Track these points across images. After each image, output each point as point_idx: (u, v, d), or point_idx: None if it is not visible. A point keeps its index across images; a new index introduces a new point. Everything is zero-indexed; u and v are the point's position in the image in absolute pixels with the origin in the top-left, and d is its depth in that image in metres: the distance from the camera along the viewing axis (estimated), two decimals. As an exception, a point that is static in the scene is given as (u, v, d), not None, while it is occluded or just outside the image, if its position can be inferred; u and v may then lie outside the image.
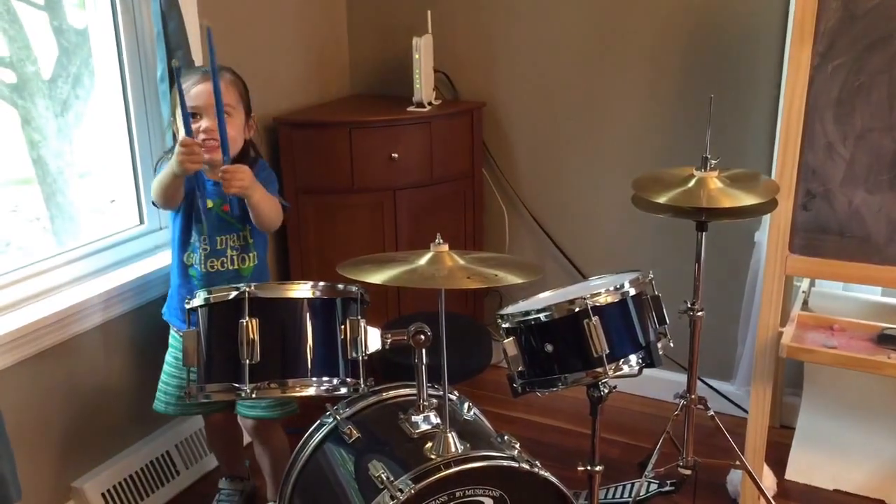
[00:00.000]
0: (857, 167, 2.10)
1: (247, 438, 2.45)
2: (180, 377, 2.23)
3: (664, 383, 2.85)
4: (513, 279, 1.65)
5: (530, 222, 3.18)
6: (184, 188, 2.13)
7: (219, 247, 2.18)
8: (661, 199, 2.02)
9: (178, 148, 1.99)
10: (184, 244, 2.20)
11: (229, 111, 2.10)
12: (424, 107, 2.93)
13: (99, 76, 2.50)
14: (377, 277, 1.63)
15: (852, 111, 2.08)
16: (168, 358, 2.30)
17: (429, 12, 2.94)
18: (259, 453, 2.36)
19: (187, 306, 1.74)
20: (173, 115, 2.18)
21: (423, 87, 2.92)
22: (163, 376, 2.30)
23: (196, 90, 2.08)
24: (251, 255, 2.22)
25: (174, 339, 2.28)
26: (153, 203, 2.23)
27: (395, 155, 2.83)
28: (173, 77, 2.15)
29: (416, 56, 2.90)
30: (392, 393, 1.94)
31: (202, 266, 2.17)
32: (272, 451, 2.33)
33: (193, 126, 2.07)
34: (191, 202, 2.16)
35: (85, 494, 2.35)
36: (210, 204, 2.15)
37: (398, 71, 3.11)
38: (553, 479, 1.69)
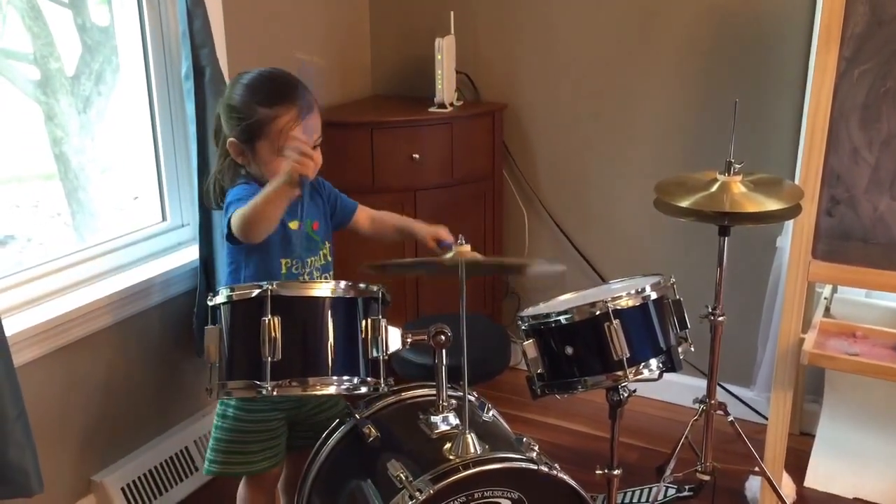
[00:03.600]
0: (882, 173, 2.08)
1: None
2: (256, 430, 2.00)
3: (683, 388, 2.83)
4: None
5: (550, 225, 3.18)
6: None
7: (308, 269, 1.99)
8: (684, 203, 2.01)
9: (294, 154, 1.75)
10: (263, 277, 1.89)
11: (320, 142, 1.95)
12: (446, 108, 2.93)
13: (123, 73, 2.52)
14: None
15: (878, 116, 2.06)
16: (236, 413, 1.98)
17: (451, 13, 2.94)
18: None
19: (210, 303, 1.75)
20: (248, 140, 1.90)
21: (445, 87, 2.92)
22: (228, 435, 2.00)
23: (313, 122, 1.90)
24: (330, 273, 2.06)
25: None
26: (238, 237, 1.84)
27: (416, 156, 2.83)
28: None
29: (439, 57, 2.90)
30: (411, 393, 1.94)
31: None
32: None
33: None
34: (274, 232, 1.89)
35: (105, 488, 2.36)
36: (297, 224, 1.96)
37: (420, 71, 3.11)
38: (572, 481, 1.68)
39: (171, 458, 2.55)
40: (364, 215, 2.18)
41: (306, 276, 1.97)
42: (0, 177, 2.30)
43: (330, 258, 2.06)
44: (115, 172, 2.59)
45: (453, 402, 1.80)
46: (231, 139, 1.93)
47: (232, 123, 1.92)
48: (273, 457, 2.04)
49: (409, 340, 1.77)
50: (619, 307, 1.82)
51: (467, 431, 1.69)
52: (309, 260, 1.99)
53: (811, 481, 2.60)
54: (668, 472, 2.27)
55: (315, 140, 1.92)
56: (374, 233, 2.21)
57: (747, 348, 2.90)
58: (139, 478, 2.45)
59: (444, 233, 2.05)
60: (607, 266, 3.10)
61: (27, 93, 2.34)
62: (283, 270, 1.95)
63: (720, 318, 2.16)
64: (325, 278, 2.02)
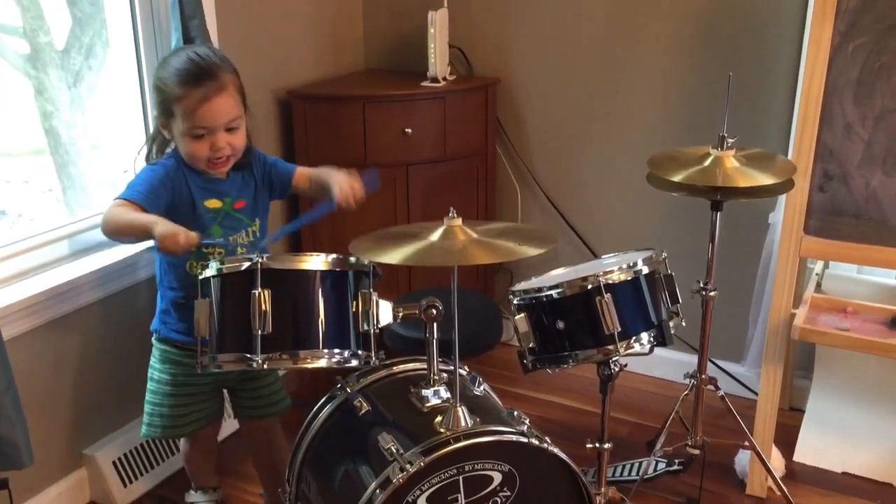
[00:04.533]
0: (875, 148, 2.08)
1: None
2: (179, 394, 2.07)
3: (674, 363, 2.84)
4: (527, 251, 1.63)
5: (543, 200, 3.17)
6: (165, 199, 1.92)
7: (217, 248, 1.98)
8: (677, 178, 2.01)
9: (179, 235, 1.74)
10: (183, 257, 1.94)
11: (237, 123, 1.94)
12: (439, 82, 2.92)
13: (113, 46, 2.49)
14: (390, 257, 1.61)
15: (872, 92, 2.06)
16: (161, 376, 2.07)
17: (444, -14, 2.92)
18: (264, 454, 2.26)
19: (200, 277, 1.74)
20: (164, 115, 1.93)
21: (438, 62, 2.90)
22: (154, 397, 2.08)
23: (204, 111, 1.87)
24: (262, 250, 2.02)
25: (170, 354, 2.05)
26: (102, 231, 1.89)
27: (409, 130, 2.82)
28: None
29: (431, 30, 2.88)
30: (402, 367, 1.94)
31: None
32: (277, 448, 2.24)
33: (199, 144, 1.90)
34: (183, 210, 1.95)
35: (96, 462, 2.37)
36: (218, 203, 1.99)
37: (413, 45, 3.10)
38: (562, 455, 1.69)
39: (163, 432, 2.55)
40: (302, 179, 2.16)
41: (217, 255, 1.95)
42: (-10, 151, 2.29)
43: (259, 234, 2.06)
44: (105, 147, 2.57)
45: (444, 375, 1.80)
46: (156, 113, 1.98)
47: (155, 99, 1.97)
48: (197, 420, 2.11)
49: (400, 314, 1.77)
50: (610, 281, 1.82)
51: (458, 405, 1.69)
52: (231, 237, 2.00)
53: (800, 456, 2.62)
54: (658, 446, 2.28)
55: (228, 122, 1.92)
56: (312, 191, 2.18)
57: (738, 324, 2.91)
58: (131, 451, 2.46)
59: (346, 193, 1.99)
60: (599, 241, 3.10)
61: (16, 67, 2.32)
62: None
63: (711, 294, 2.17)
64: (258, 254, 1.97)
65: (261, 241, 2.07)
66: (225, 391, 2.19)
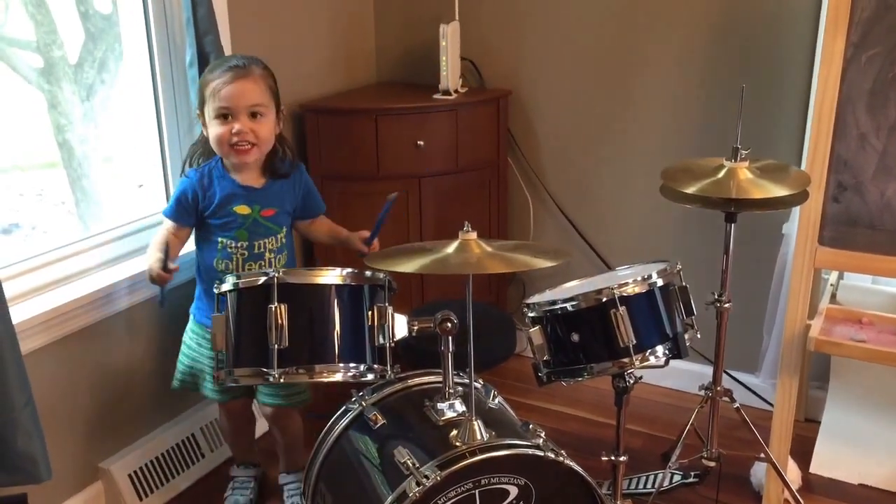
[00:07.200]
0: (889, 159, 2.07)
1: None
2: (201, 360, 2.26)
3: (689, 375, 2.83)
4: (541, 263, 1.65)
5: (555, 212, 3.17)
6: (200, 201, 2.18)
7: (257, 251, 2.18)
8: (691, 190, 2.00)
9: (157, 266, 2.07)
10: (210, 251, 2.20)
11: (262, 111, 2.10)
12: (451, 94, 2.92)
13: (127, 61, 2.51)
14: (407, 267, 1.63)
15: (886, 102, 2.05)
16: (192, 345, 2.29)
17: (456, -1, 2.93)
18: (276, 437, 2.41)
19: (216, 291, 1.75)
20: (201, 107, 2.15)
21: (450, 74, 2.91)
22: (183, 358, 2.30)
23: (228, 91, 2.05)
24: (284, 253, 2.24)
25: (200, 334, 2.26)
26: None
27: (421, 142, 2.82)
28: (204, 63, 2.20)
29: (443, 43, 2.89)
30: (418, 380, 1.94)
31: (240, 270, 2.17)
32: (289, 436, 2.38)
33: (224, 127, 2.07)
34: (212, 212, 2.18)
35: (112, 475, 2.37)
36: (247, 210, 2.16)
37: (424, 58, 3.10)
38: (578, 468, 1.69)
39: (177, 445, 2.56)
40: (322, 228, 2.39)
41: (245, 253, 2.16)
42: (4, 165, 2.30)
43: (284, 241, 2.23)
44: (119, 160, 2.58)
45: (459, 389, 1.81)
46: (197, 111, 2.18)
47: (197, 95, 2.18)
48: (221, 391, 2.25)
49: (415, 328, 1.77)
50: (625, 294, 1.82)
51: (474, 418, 1.69)
52: (257, 242, 2.18)
53: (816, 467, 2.60)
54: (673, 458, 2.27)
55: (250, 106, 2.07)
56: (316, 239, 2.46)
57: (753, 335, 2.90)
58: (146, 465, 2.46)
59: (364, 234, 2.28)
60: (613, 253, 3.09)
61: (30, 80, 2.34)
62: (219, 247, 2.18)
63: (726, 305, 2.16)
64: (279, 259, 2.23)
65: (284, 248, 2.24)
66: None
